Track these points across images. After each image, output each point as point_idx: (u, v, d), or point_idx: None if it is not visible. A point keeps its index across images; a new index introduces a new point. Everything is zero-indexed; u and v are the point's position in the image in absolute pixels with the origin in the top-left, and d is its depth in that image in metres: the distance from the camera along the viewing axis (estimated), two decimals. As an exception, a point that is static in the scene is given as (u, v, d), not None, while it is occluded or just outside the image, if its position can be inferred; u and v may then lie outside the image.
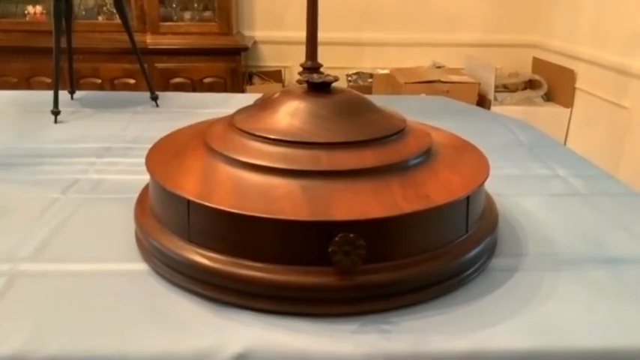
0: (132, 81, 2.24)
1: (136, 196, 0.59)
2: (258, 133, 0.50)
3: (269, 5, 2.52)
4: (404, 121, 0.56)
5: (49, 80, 2.03)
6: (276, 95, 0.57)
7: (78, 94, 1.19)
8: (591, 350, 0.42)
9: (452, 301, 0.47)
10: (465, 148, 0.60)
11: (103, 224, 0.59)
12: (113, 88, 2.26)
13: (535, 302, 0.47)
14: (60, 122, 0.99)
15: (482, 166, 0.55)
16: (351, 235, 0.41)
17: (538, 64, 2.49)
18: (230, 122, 0.55)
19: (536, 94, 2.34)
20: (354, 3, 2.49)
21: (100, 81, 2.27)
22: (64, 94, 1.12)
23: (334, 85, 0.56)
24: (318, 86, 0.55)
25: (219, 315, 0.44)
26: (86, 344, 0.41)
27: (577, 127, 2.23)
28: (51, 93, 1.01)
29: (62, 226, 0.58)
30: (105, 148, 0.84)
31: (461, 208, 0.49)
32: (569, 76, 2.22)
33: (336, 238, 0.41)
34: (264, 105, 0.56)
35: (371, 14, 2.51)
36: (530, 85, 2.40)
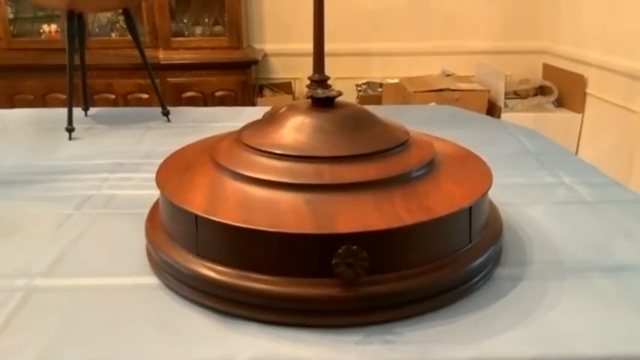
0: (145, 96, 2.27)
1: (147, 211, 0.60)
2: (263, 149, 0.52)
3: (278, 18, 2.55)
4: (407, 133, 0.57)
5: (64, 97, 2.07)
6: (282, 110, 0.58)
7: (92, 110, 1.22)
8: (596, 359, 0.42)
9: (456, 310, 0.48)
10: (468, 158, 0.61)
11: (115, 239, 0.61)
12: (126, 103, 2.30)
13: (540, 311, 0.48)
14: (74, 139, 1.01)
15: (485, 176, 0.55)
16: (354, 247, 0.42)
17: (548, 70, 2.49)
18: (237, 138, 0.56)
19: (546, 101, 2.33)
20: (362, 13, 2.51)
21: (113, 96, 2.31)
22: (78, 111, 1.15)
23: (338, 99, 0.57)
24: (322, 101, 0.56)
25: (227, 327, 0.45)
26: (98, 357, 0.42)
27: (589, 132, 2.21)
28: (65, 110, 1.03)
29: (76, 242, 0.60)
30: (118, 164, 0.86)
31: (463, 219, 0.50)
32: (580, 81, 2.21)
33: (339, 251, 0.42)
34: (270, 120, 0.57)
35: (379, 24, 2.53)
36: (541, 91, 2.39)
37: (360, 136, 0.53)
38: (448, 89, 2.20)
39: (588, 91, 2.19)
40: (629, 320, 0.46)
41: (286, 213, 0.46)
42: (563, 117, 2.27)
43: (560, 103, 2.34)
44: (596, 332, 0.45)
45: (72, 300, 0.49)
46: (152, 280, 0.52)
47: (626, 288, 0.51)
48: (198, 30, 2.42)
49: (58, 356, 0.42)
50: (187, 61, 2.30)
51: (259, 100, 2.40)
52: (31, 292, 0.50)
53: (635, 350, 0.43)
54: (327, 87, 0.58)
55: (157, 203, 0.60)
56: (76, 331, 0.45)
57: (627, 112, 1.93)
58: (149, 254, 0.55)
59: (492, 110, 2.24)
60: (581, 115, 2.24)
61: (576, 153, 2.08)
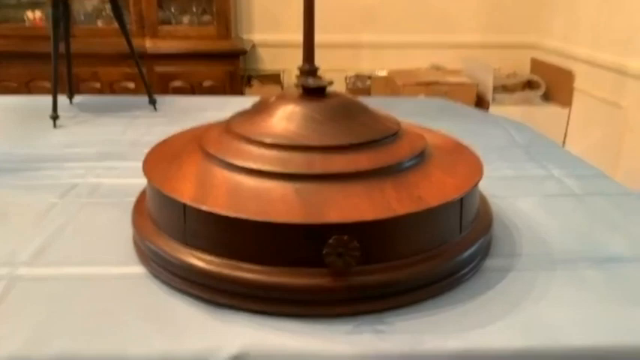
0: (131, 85, 2.24)
1: (133, 200, 0.59)
2: (253, 137, 0.51)
3: (267, 9, 2.53)
4: (398, 123, 0.57)
5: (48, 85, 2.04)
6: (272, 99, 0.57)
7: (77, 98, 1.20)
8: (584, 349, 0.43)
9: (446, 301, 0.48)
10: (459, 149, 0.61)
11: (101, 228, 0.60)
12: (113, 91, 2.27)
13: (529, 302, 0.48)
14: (59, 127, 1.00)
15: (475, 168, 0.55)
16: (345, 238, 0.42)
17: (536, 65, 2.50)
18: (226, 126, 0.55)
19: (534, 95, 2.34)
20: (352, 5, 2.50)
21: (99, 85, 2.28)
22: (63, 99, 1.13)
23: (329, 89, 0.57)
24: (312, 91, 0.55)
25: (216, 317, 0.45)
26: (84, 347, 0.41)
27: (576, 126, 2.23)
28: (50, 98, 1.01)
29: (60, 231, 0.59)
30: (103, 153, 0.85)
31: (454, 210, 0.50)
32: (567, 76, 2.22)
33: (330, 241, 0.42)
34: (260, 109, 0.56)
35: (369, 16, 2.52)
36: (529, 85, 2.40)
37: (350, 126, 0.53)
38: (437, 82, 2.20)
39: (576, 85, 2.21)
40: (617, 311, 0.47)
41: (276, 202, 0.45)
42: (551, 111, 2.29)
43: (547, 98, 2.36)
44: (585, 323, 0.45)
45: (56, 289, 0.48)
46: (139, 269, 0.51)
47: (614, 279, 0.51)
48: (186, 19, 2.40)
49: (42, 346, 0.41)
50: (175, 51, 2.27)
51: (247, 90, 2.39)
52: (14, 280, 0.49)
53: (623, 340, 0.43)
54: (317, 77, 0.57)
55: (143, 192, 0.59)
56: (61, 321, 0.44)
57: (614, 107, 1.95)
58: (135, 243, 0.54)
59: (480, 104, 2.24)
60: (568, 109, 2.25)
61: (563, 147, 2.09)
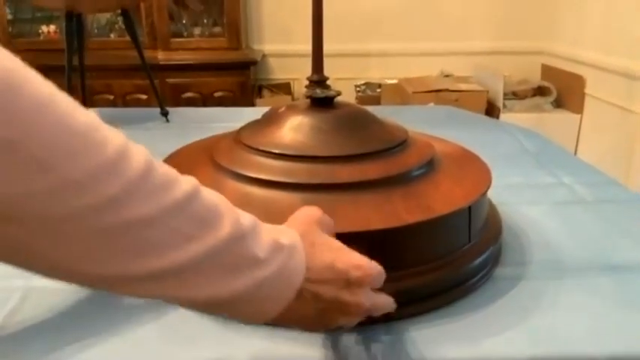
0: (144, 96, 2.27)
1: (145, 211, 0.60)
2: (262, 148, 0.52)
3: (277, 19, 2.55)
4: (406, 132, 0.57)
5: (62, 97, 2.07)
6: (281, 110, 0.58)
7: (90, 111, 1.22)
8: (595, 358, 0.42)
9: (456, 310, 0.48)
10: (467, 158, 0.61)
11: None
12: (125, 103, 2.29)
13: (539, 311, 0.48)
14: (73, 139, 1.01)
15: (484, 176, 0.56)
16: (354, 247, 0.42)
17: (547, 71, 2.49)
18: (235, 138, 0.56)
19: (545, 101, 2.33)
20: (361, 14, 2.51)
21: (112, 97, 2.31)
22: (76, 112, 1.14)
23: (337, 99, 0.57)
24: (320, 101, 0.56)
25: (225, 327, 0.45)
26: (97, 356, 0.42)
27: (588, 132, 2.22)
28: (64, 111, 1.03)
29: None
30: (116, 164, 0.86)
31: (463, 218, 0.50)
32: (578, 82, 2.21)
33: None
34: (269, 120, 0.57)
35: (378, 25, 2.53)
36: (540, 91, 2.39)
37: (358, 136, 0.53)
38: (447, 90, 2.20)
39: (587, 91, 2.19)
40: (628, 319, 0.46)
41: (285, 213, 0.46)
42: (562, 117, 2.27)
43: (558, 104, 2.34)
44: (595, 331, 0.45)
45: (70, 300, 0.49)
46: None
47: (625, 287, 0.51)
48: (197, 31, 2.42)
49: (57, 356, 0.42)
50: (186, 62, 2.29)
51: (258, 100, 2.40)
52: (29, 292, 0.50)
53: (633, 350, 0.43)
54: (326, 87, 0.57)
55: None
56: (75, 331, 0.45)
57: (626, 112, 1.93)
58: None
59: (491, 111, 2.24)
60: (579, 115, 2.24)
61: (575, 154, 2.08)
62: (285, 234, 0.33)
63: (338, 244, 0.37)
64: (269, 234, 0.32)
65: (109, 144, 0.25)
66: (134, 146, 0.27)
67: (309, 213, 0.39)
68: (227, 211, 0.30)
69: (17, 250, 0.24)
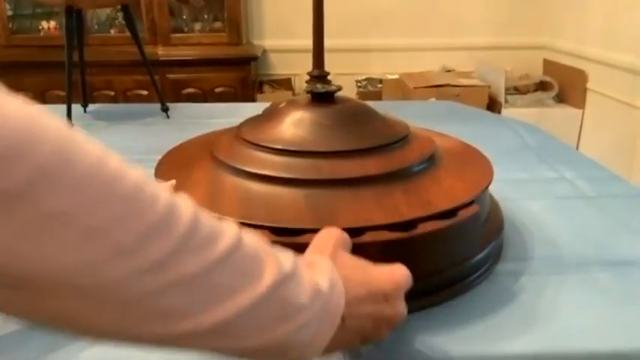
0: (144, 92, 2.27)
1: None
2: (262, 144, 0.51)
3: (278, 14, 2.54)
4: (407, 128, 0.57)
5: (63, 93, 2.07)
6: (282, 105, 0.58)
7: (91, 107, 1.22)
8: (598, 354, 0.42)
9: (457, 305, 0.48)
10: (469, 153, 0.61)
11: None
12: (126, 99, 2.29)
13: (541, 306, 0.48)
14: (73, 135, 1.01)
15: (486, 171, 0.55)
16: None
17: (549, 66, 2.48)
18: (236, 133, 0.56)
19: (547, 96, 2.32)
20: (361, 9, 2.50)
21: (113, 93, 2.31)
22: (77, 108, 1.14)
23: (338, 94, 0.57)
24: (321, 96, 0.56)
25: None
26: (98, 357, 0.42)
27: (589, 127, 2.21)
28: (64, 107, 1.03)
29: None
30: (117, 160, 0.86)
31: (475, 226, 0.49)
32: (580, 76, 2.20)
33: None
34: (270, 115, 0.57)
35: (379, 20, 2.52)
36: (542, 86, 2.38)
37: (359, 131, 0.53)
38: (448, 85, 2.20)
39: (589, 86, 2.19)
40: (631, 314, 0.46)
41: (286, 208, 0.46)
42: (564, 112, 2.27)
43: (560, 99, 2.34)
44: (597, 327, 0.45)
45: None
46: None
47: (627, 283, 0.51)
48: (198, 26, 2.42)
49: (56, 355, 0.42)
50: (187, 58, 2.29)
51: (259, 96, 2.40)
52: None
53: (635, 345, 0.43)
54: (327, 82, 0.57)
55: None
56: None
57: (628, 107, 1.93)
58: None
59: (493, 106, 2.23)
60: (581, 110, 2.23)
61: (577, 149, 2.08)
62: (322, 270, 0.33)
63: (362, 262, 0.38)
64: (309, 275, 0.31)
65: (158, 201, 0.24)
66: (180, 200, 0.26)
67: (330, 235, 0.39)
68: (268, 257, 0.29)
69: (62, 318, 0.24)
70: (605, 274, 0.52)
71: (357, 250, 0.39)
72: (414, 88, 2.17)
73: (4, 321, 0.45)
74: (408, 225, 0.45)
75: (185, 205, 0.26)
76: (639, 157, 1.85)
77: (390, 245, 0.43)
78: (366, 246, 0.42)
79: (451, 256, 0.48)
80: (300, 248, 0.44)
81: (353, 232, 0.43)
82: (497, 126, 1.06)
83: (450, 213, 0.46)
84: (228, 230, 0.28)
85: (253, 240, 0.29)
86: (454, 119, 1.11)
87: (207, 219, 0.27)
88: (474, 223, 0.48)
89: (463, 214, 0.46)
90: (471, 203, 0.48)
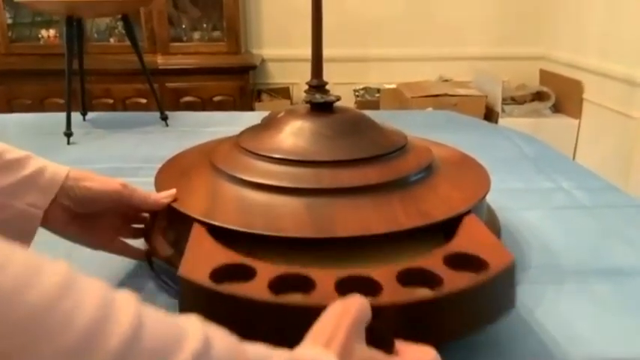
0: (143, 100, 2.27)
1: (146, 214, 0.60)
2: (262, 153, 0.52)
3: (276, 24, 2.56)
4: (405, 137, 0.58)
5: (62, 102, 2.08)
6: (281, 115, 0.58)
7: (90, 115, 1.22)
8: (594, 363, 0.42)
9: (455, 314, 0.48)
10: (466, 162, 0.61)
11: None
12: (125, 108, 2.30)
13: (538, 315, 0.48)
14: (73, 143, 1.01)
15: (483, 181, 0.56)
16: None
17: (545, 76, 2.50)
18: (235, 142, 0.56)
19: (544, 106, 2.33)
20: (359, 19, 2.52)
21: (112, 101, 2.31)
22: (76, 116, 1.15)
23: (337, 104, 0.58)
24: (320, 106, 0.56)
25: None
26: None
27: (586, 138, 2.22)
28: (64, 115, 1.03)
29: (73, 246, 0.60)
30: (116, 168, 0.86)
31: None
32: (577, 87, 2.22)
33: None
34: (269, 125, 0.57)
35: (377, 30, 2.54)
36: (538, 97, 2.40)
37: (358, 141, 0.54)
38: (446, 94, 2.21)
39: (585, 96, 2.20)
40: (628, 323, 0.47)
41: (285, 217, 0.46)
42: (560, 123, 2.28)
43: (557, 109, 2.35)
44: (595, 336, 0.45)
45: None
46: (151, 284, 0.52)
47: (624, 292, 0.51)
48: (197, 35, 2.43)
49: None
50: (186, 66, 2.30)
51: (257, 105, 2.41)
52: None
53: (633, 354, 0.43)
54: (326, 92, 0.58)
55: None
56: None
57: (624, 117, 1.94)
58: (148, 258, 0.55)
59: (490, 116, 2.24)
60: (578, 120, 2.24)
61: (573, 159, 2.09)
62: None
63: (381, 356, 0.31)
64: None
65: (76, 319, 0.20)
66: (117, 307, 0.21)
67: (346, 313, 0.30)
68: None
69: None
70: (603, 284, 0.52)
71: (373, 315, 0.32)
72: (412, 97, 2.18)
73: None
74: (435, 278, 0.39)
75: (123, 312, 0.21)
76: (635, 168, 1.86)
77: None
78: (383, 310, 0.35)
79: (484, 315, 0.40)
80: (300, 257, 0.45)
81: (352, 241, 0.43)
82: (494, 136, 1.07)
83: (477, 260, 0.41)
84: (192, 335, 0.23)
85: (223, 344, 0.24)
86: (451, 129, 1.12)
87: (156, 327, 0.22)
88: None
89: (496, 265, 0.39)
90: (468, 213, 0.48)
